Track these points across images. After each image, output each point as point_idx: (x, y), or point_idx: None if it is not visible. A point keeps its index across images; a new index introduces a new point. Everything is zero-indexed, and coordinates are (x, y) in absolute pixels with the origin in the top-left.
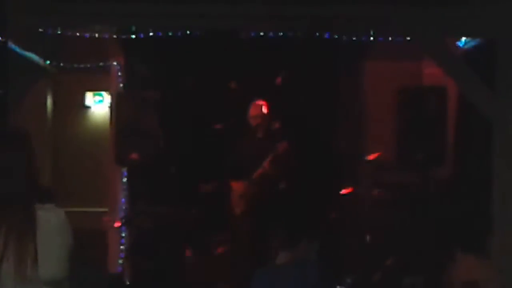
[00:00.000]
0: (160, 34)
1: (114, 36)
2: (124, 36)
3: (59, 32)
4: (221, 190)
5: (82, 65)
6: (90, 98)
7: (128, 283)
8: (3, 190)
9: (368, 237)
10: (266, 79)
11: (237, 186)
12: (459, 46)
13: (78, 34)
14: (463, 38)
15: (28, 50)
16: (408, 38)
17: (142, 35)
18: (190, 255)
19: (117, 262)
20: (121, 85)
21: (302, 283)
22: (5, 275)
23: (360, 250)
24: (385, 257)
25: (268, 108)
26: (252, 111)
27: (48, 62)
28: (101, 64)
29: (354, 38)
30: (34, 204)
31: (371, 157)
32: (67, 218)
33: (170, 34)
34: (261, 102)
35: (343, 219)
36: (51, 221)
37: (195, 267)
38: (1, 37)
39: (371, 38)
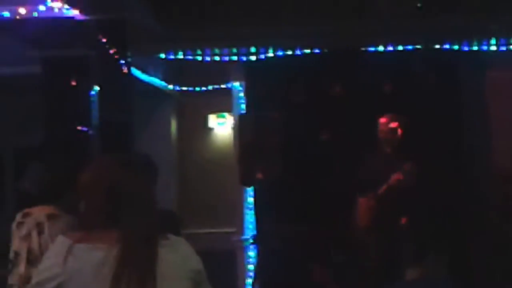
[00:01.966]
0: (281, 54)
1: (235, 58)
2: (244, 58)
3: (179, 57)
4: (348, 205)
5: (204, 88)
6: (213, 120)
7: None
8: (132, 221)
9: (498, 250)
10: (391, 94)
11: (364, 201)
12: None
13: (199, 57)
14: None
15: (151, 76)
16: None
17: (262, 56)
18: (318, 272)
19: (245, 282)
20: (244, 106)
21: None
22: None
23: (493, 264)
24: None
25: (397, 123)
26: (381, 126)
27: (170, 86)
28: (223, 86)
29: (475, 48)
30: (157, 239)
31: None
32: (190, 248)
33: (290, 53)
34: (390, 117)
35: (474, 232)
36: (173, 255)
37: (324, 284)
38: (124, 64)
39: (494, 48)
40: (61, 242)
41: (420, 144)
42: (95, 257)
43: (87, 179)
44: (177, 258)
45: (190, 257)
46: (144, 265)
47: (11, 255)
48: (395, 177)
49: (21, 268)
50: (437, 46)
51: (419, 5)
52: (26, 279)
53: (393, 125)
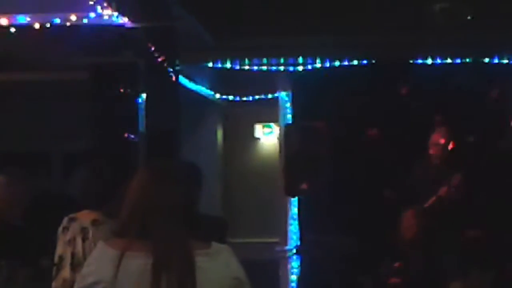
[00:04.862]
0: (327, 65)
1: (282, 68)
2: (291, 68)
3: (227, 66)
4: (393, 217)
5: (251, 98)
6: (259, 130)
7: None
8: (163, 230)
9: None
10: (439, 107)
11: (410, 213)
12: None
13: (246, 67)
14: None
15: (198, 84)
16: None
17: (309, 67)
18: (362, 285)
19: None
20: (290, 116)
21: None
22: None
23: None
24: None
25: (449, 136)
26: (433, 140)
27: (217, 95)
28: (269, 96)
29: None
30: (193, 249)
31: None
32: (232, 256)
33: (337, 64)
34: (442, 132)
35: None
36: (213, 263)
37: None
38: (173, 72)
39: None
40: (102, 249)
41: (470, 157)
42: (136, 265)
43: (126, 188)
44: (217, 267)
45: (231, 265)
46: (180, 275)
47: (56, 259)
48: (444, 189)
49: (65, 272)
50: (487, 60)
51: (469, 17)
52: (70, 283)
53: (445, 140)
